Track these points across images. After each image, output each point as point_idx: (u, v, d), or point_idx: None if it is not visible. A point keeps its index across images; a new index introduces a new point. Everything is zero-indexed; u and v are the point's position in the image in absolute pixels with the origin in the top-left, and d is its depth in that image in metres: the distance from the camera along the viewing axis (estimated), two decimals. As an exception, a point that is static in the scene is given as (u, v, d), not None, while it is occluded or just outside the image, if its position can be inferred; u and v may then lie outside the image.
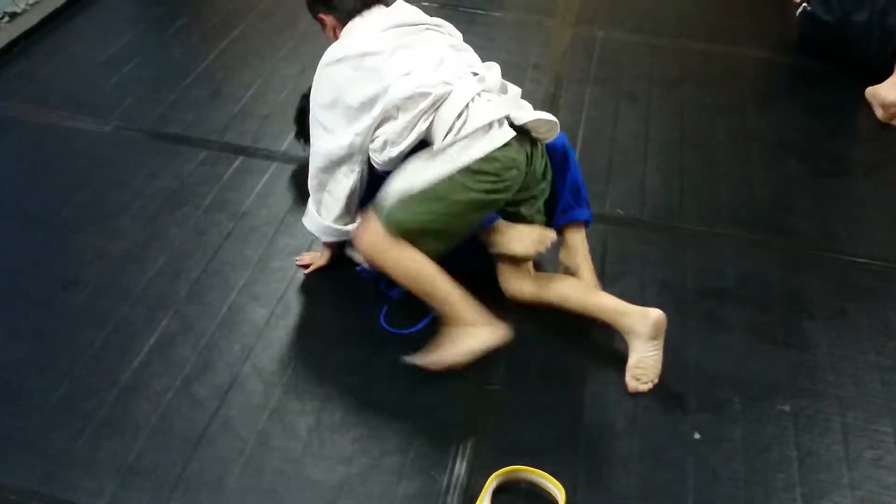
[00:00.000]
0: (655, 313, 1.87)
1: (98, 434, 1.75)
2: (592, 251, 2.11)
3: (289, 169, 2.52)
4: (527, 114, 1.90)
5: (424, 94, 1.82)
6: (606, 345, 1.98)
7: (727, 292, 2.17)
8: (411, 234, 1.83)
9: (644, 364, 1.88)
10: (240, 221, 2.32)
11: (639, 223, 2.38)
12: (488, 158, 1.82)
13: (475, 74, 1.92)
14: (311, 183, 2.03)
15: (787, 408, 1.88)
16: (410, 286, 1.88)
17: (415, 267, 1.84)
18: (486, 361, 1.89)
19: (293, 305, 2.07)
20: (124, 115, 2.73)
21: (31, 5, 3.23)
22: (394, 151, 1.87)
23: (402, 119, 1.84)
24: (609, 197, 2.47)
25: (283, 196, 2.41)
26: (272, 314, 2.04)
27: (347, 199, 1.98)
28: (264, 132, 2.69)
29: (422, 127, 1.83)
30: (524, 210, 1.98)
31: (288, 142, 2.63)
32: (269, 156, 2.58)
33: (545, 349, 1.99)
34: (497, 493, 1.66)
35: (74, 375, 1.88)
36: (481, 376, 1.90)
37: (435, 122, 1.83)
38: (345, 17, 2.01)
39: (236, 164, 2.53)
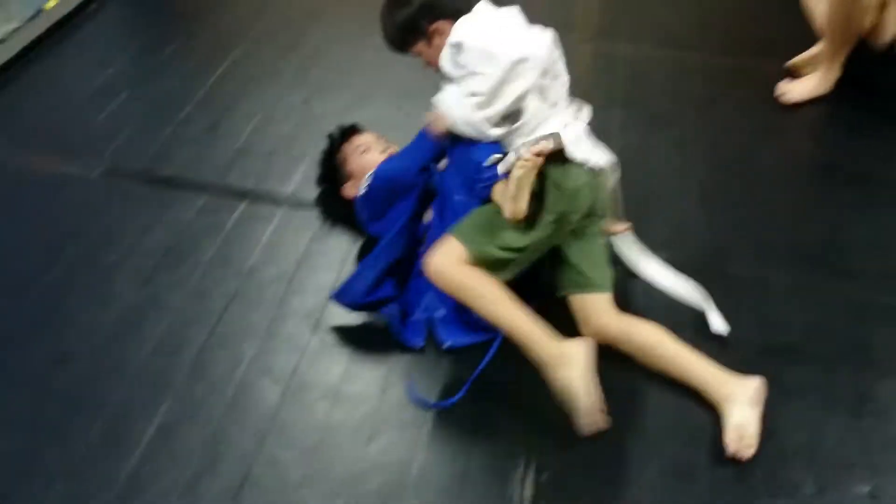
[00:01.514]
0: (756, 382, 1.75)
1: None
2: (634, 301, 1.96)
3: (298, 215, 2.30)
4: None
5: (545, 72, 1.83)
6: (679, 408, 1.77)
7: (791, 350, 1.96)
8: (488, 265, 1.77)
9: (745, 429, 1.70)
10: (246, 280, 2.10)
11: (685, 268, 2.15)
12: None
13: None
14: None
15: (866, 489, 1.67)
16: (485, 314, 1.77)
17: (487, 291, 1.76)
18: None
19: (309, 379, 1.86)
20: (115, 156, 2.52)
21: (10, 33, 3.00)
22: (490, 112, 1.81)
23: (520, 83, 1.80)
24: (648, 237, 2.23)
25: (293, 248, 2.20)
26: (286, 391, 1.83)
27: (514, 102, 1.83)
28: (269, 172, 2.47)
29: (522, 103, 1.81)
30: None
31: (296, 183, 2.41)
32: (276, 200, 2.36)
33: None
34: None
35: (68, 475, 1.67)
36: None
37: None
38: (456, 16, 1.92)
39: (239, 210, 2.32)
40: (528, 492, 1.64)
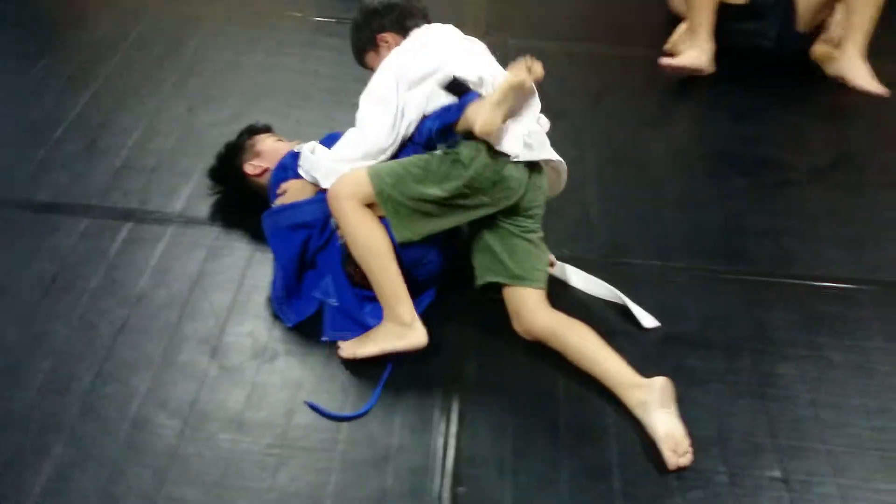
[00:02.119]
0: (661, 382, 1.75)
1: None
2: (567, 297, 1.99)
3: (188, 234, 2.20)
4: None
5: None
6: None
7: (692, 338, 1.98)
8: (390, 204, 1.84)
9: (674, 437, 1.69)
10: (135, 307, 1.99)
11: (588, 263, 2.16)
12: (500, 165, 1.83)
13: None
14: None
15: (777, 473, 1.69)
16: (361, 257, 1.86)
17: (374, 242, 1.84)
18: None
19: (210, 410, 1.77)
20: (-14, 182, 2.35)
21: None
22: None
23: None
24: (552, 234, 2.22)
25: (185, 269, 2.09)
26: (185, 424, 1.73)
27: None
28: (154, 190, 2.35)
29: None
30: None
31: (184, 199, 2.31)
32: (163, 219, 2.25)
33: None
34: None
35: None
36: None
37: None
38: (406, 33, 2.09)
39: (124, 233, 2.19)
40: (447, 505, 1.61)
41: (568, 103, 2.79)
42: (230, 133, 2.32)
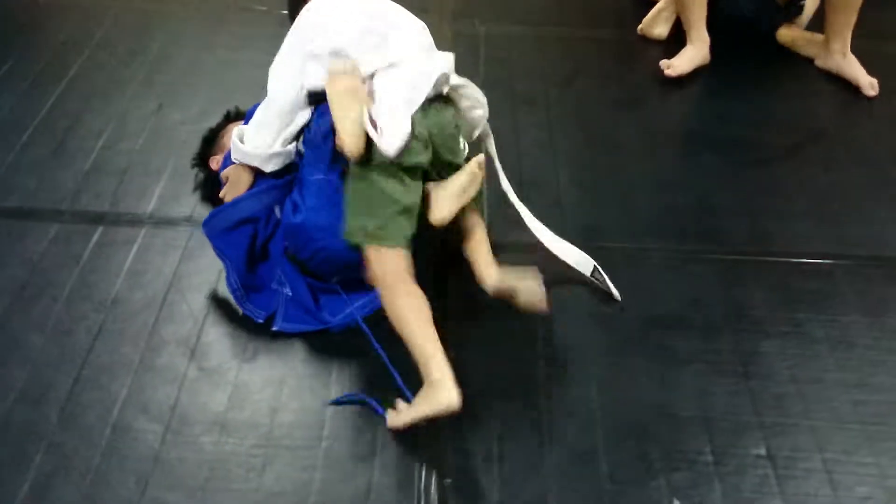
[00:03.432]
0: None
1: None
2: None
3: (162, 235, 2.17)
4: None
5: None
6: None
7: (671, 319, 1.99)
8: (384, 233, 1.76)
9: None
10: (111, 311, 1.96)
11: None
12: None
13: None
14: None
15: (762, 451, 1.70)
16: (397, 327, 1.73)
17: (412, 314, 1.72)
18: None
19: (191, 413, 1.75)
20: (-48, 190, 2.30)
21: None
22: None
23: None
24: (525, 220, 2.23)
25: (160, 271, 2.06)
26: (167, 428, 1.72)
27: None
28: (125, 191, 2.32)
29: None
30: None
31: (156, 200, 2.28)
32: (135, 221, 2.22)
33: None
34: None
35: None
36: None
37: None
38: None
39: (96, 237, 2.16)
40: (435, 497, 1.60)
41: (538, 87, 2.78)
42: (200, 130, 2.28)
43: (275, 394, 1.79)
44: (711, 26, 2.88)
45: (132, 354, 1.86)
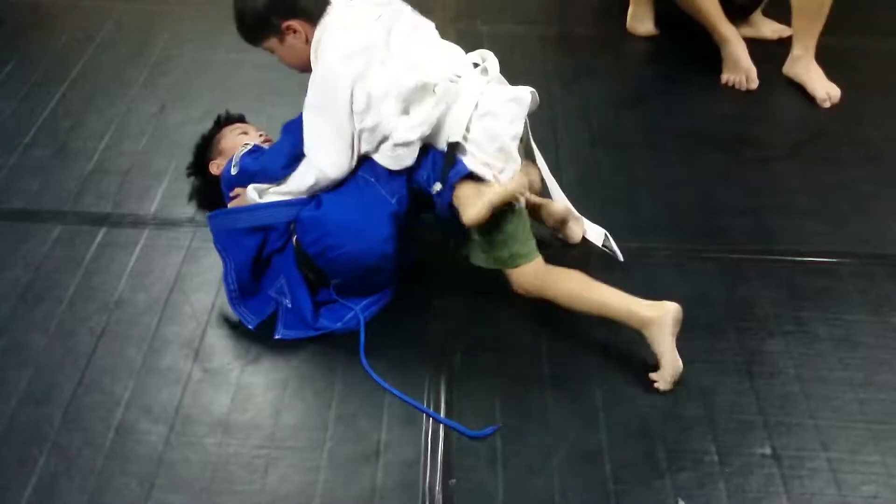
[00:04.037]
0: (673, 305, 1.77)
1: None
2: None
3: (164, 236, 2.17)
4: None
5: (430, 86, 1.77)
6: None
7: (676, 318, 1.97)
8: (528, 250, 1.84)
9: (677, 363, 1.78)
10: (114, 313, 1.96)
11: (568, 246, 2.15)
12: None
13: (475, 65, 1.87)
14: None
15: (767, 450, 1.69)
16: (576, 305, 1.83)
17: (576, 286, 1.83)
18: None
19: (195, 414, 1.75)
20: (-46, 192, 2.31)
21: None
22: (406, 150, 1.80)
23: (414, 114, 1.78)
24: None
25: (163, 272, 2.06)
26: (170, 430, 1.71)
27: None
28: (127, 192, 2.32)
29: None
30: None
31: (158, 201, 2.28)
32: (138, 222, 2.22)
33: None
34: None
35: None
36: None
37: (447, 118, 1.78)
38: (316, 19, 1.83)
39: (99, 238, 2.16)
40: (440, 498, 1.59)
41: (542, 87, 2.72)
42: (202, 132, 2.28)
43: (278, 395, 1.79)
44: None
45: (135, 356, 1.86)
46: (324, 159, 1.83)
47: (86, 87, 2.75)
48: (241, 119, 2.28)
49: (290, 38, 1.85)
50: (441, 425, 1.71)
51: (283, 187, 1.89)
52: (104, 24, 3.08)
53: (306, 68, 1.86)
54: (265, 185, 1.91)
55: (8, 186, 2.33)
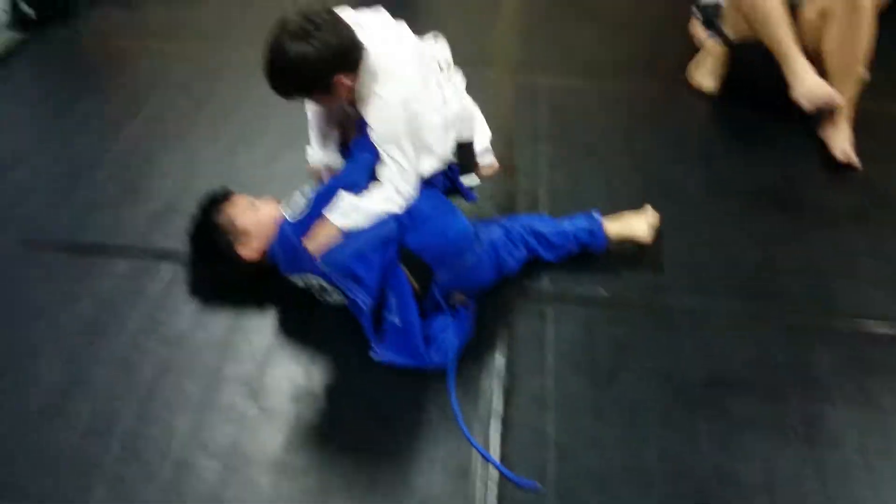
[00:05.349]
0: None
1: None
2: (575, 339, 2.04)
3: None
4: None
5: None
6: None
7: (735, 380, 1.95)
8: None
9: None
10: (176, 349, 2.00)
11: (625, 304, 2.15)
12: None
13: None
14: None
15: (825, 522, 1.66)
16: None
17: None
18: None
19: (250, 452, 1.77)
20: (30, 225, 2.38)
21: None
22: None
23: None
24: (587, 273, 2.23)
25: (224, 311, 2.10)
26: (226, 466, 1.73)
27: None
28: (193, 230, 2.37)
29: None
30: None
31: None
32: (203, 260, 2.26)
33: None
34: None
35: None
36: None
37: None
38: (356, 68, 1.93)
39: (164, 274, 2.21)
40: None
41: (600, 140, 2.79)
42: (268, 174, 2.34)
43: (332, 437, 1.80)
44: (778, 88, 2.83)
45: (195, 391, 1.89)
46: (412, 180, 2.00)
47: (157, 126, 2.83)
48: (226, 195, 2.15)
49: (336, 90, 1.93)
50: (493, 482, 1.70)
51: (376, 205, 1.97)
52: (177, 66, 3.18)
53: (338, 109, 2.07)
54: (350, 203, 1.97)
55: (79, 221, 2.40)
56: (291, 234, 1.99)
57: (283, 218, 2.05)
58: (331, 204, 1.98)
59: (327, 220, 1.96)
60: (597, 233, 2.21)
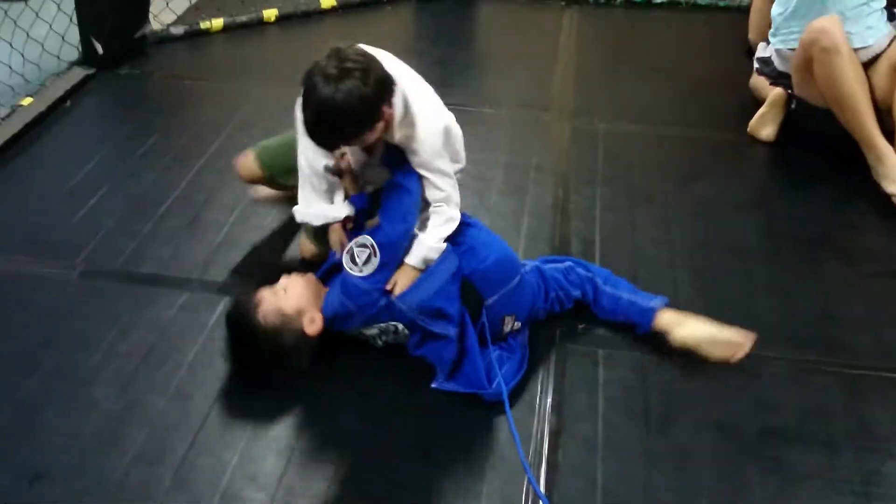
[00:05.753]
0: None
1: None
2: (631, 389, 2.00)
3: (281, 310, 2.24)
4: None
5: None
6: None
7: (790, 431, 1.91)
8: None
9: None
10: (230, 381, 2.03)
11: (678, 349, 2.12)
12: None
13: None
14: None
15: (884, 582, 1.60)
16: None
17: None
18: None
19: (298, 485, 1.78)
20: (93, 254, 2.46)
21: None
22: None
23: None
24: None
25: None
26: (273, 499, 1.75)
27: None
28: (251, 265, 2.42)
29: None
30: None
31: (279, 275, 2.35)
32: (258, 294, 2.30)
33: None
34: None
35: None
36: None
37: None
38: (393, 93, 1.87)
39: (222, 307, 2.26)
40: None
41: (657, 186, 2.78)
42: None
43: (377, 469, 1.81)
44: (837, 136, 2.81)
45: (245, 423, 1.92)
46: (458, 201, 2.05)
47: (220, 163, 2.91)
48: (249, 300, 2.00)
49: (385, 120, 1.86)
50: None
51: (444, 232, 2.01)
52: (242, 105, 3.27)
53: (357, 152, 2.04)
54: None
55: (142, 252, 2.47)
56: (370, 288, 1.96)
57: (346, 273, 1.98)
58: (409, 248, 1.97)
59: (408, 265, 1.97)
60: (644, 325, 2.13)
